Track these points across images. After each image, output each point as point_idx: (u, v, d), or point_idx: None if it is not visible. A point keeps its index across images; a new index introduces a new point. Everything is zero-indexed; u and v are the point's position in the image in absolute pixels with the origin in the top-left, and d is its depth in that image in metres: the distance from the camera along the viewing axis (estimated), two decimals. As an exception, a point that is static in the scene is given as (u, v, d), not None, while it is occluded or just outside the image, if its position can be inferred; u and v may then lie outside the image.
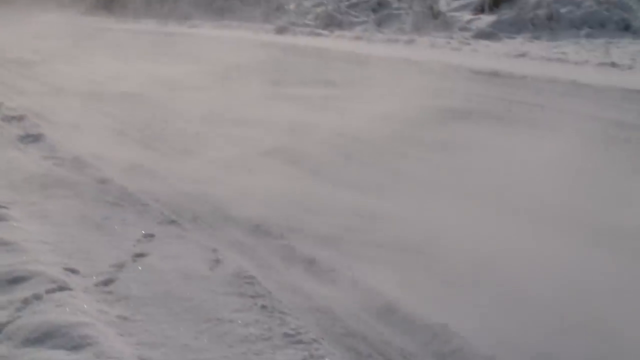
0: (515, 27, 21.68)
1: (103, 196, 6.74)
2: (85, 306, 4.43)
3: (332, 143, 8.70)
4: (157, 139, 9.19)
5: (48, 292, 4.55)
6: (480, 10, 24.16)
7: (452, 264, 5.20)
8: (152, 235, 5.75)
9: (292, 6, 29.36)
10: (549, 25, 21.31)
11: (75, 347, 3.93)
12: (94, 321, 4.22)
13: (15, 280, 4.73)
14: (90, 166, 7.72)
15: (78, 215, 6.19)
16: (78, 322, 4.16)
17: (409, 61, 16.60)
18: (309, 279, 5.07)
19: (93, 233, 5.81)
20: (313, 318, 4.49)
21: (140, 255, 5.36)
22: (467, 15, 23.89)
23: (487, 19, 22.78)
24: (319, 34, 23.78)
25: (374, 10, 25.93)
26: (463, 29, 22.52)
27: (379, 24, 24.59)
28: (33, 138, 8.96)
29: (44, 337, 4.02)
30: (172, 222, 6.07)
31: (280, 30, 25.11)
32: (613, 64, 15.58)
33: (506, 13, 22.64)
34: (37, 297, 4.48)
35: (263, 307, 4.50)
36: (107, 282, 4.90)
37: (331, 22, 25.43)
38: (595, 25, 20.73)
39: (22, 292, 4.56)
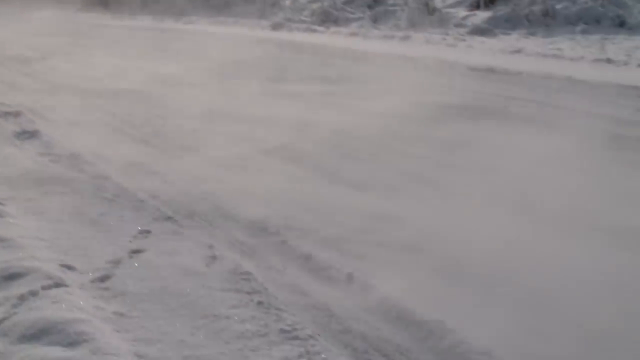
0: (510, 23, 21.71)
1: (99, 192, 6.74)
2: (81, 302, 4.43)
3: (331, 140, 8.68)
4: (154, 136, 9.18)
5: (44, 288, 4.55)
6: (475, 6, 24.19)
7: (447, 258, 5.22)
8: (148, 232, 5.75)
9: (287, 2, 29.39)
10: (545, 21, 21.34)
11: (72, 343, 3.93)
12: (90, 317, 4.22)
13: (12, 277, 4.72)
14: (86, 163, 7.72)
15: (74, 212, 6.19)
16: (74, 318, 4.16)
17: (404, 57, 16.61)
18: (304, 276, 5.09)
19: (89, 229, 5.82)
20: (309, 315, 4.50)
21: (137, 251, 5.37)
22: (462, 12, 23.91)
23: (482, 15, 22.80)
24: (314, 30, 23.77)
25: (370, 7, 25.94)
26: (458, 25, 22.54)
27: (375, 20, 24.60)
28: (29, 134, 8.96)
29: (40, 334, 4.02)
30: (169, 218, 6.07)
31: (276, 27, 25.10)
32: (608, 60, 15.59)
33: (501, 9, 22.66)
34: (33, 294, 4.48)
35: (259, 303, 4.51)
36: (103, 279, 4.90)
37: (327, 19, 25.43)
38: (590, 21, 20.76)
39: (18, 288, 4.56)
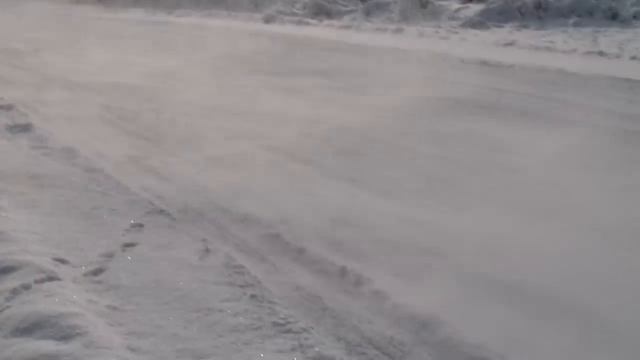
0: (503, 16, 21.70)
1: (92, 186, 6.73)
2: (74, 296, 4.42)
3: (324, 135, 8.65)
4: (148, 130, 9.16)
5: (37, 282, 4.55)
6: (468, -1, 24.17)
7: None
8: (141, 225, 5.75)
9: (280, -5, 29.30)
10: (537, 14, 21.35)
11: (65, 337, 3.93)
12: (83, 311, 4.22)
13: (4, 271, 4.72)
14: (79, 156, 7.70)
15: (67, 205, 6.19)
16: (67, 312, 4.15)
17: (398, 51, 16.60)
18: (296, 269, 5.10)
19: (82, 223, 5.81)
20: (303, 308, 4.51)
21: (130, 245, 5.36)
22: (455, 5, 23.89)
23: (475, 8, 22.79)
24: (307, 23, 23.73)
25: (363, 0, 25.90)
26: (451, 18, 22.53)
27: (368, 13, 24.57)
28: (22, 128, 8.93)
29: (33, 328, 4.02)
30: (162, 212, 6.07)
31: (269, 20, 25.05)
32: (601, 53, 15.62)
33: (494, 2, 22.64)
34: (26, 288, 4.48)
35: (253, 296, 4.51)
36: (96, 272, 4.90)
37: (320, 12, 25.38)
38: (583, 14, 20.78)
39: (11, 282, 4.56)
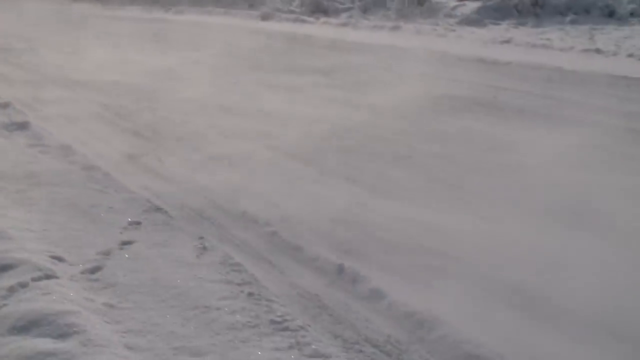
0: (500, 14, 21.69)
1: (89, 184, 6.72)
2: (71, 294, 4.42)
3: (325, 134, 8.63)
4: (145, 127, 9.15)
5: (34, 280, 4.54)
6: (465, -4, 24.15)
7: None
8: (138, 223, 5.74)
9: (277, -8, 29.27)
10: (534, 11, 21.33)
11: (62, 335, 3.93)
12: (80, 309, 4.22)
13: (1, 268, 4.71)
14: (76, 154, 7.69)
15: (64, 203, 6.18)
16: (64, 310, 4.15)
17: (395, 48, 16.59)
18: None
19: (79, 221, 5.80)
20: (299, 305, 4.52)
21: (127, 242, 5.36)
22: (452, 2, 23.85)
23: (472, 6, 22.76)
24: (304, 21, 23.71)
25: (359, -3, 25.87)
26: (448, 15, 22.50)
27: (365, 10, 24.54)
28: (18, 126, 8.91)
29: (30, 326, 4.02)
30: (159, 209, 6.06)
31: (266, 17, 25.02)
32: (598, 50, 15.61)
33: (491, -1, 22.64)
34: (23, 285, 4.47)
35: (250, 294, 4.51)
36: (93, 270, 4.90)
37: (317, 9, 25.36)
38: (580, 11, 20.77)
39: (8, 280, 4.55)
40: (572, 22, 19.93)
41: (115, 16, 26.27)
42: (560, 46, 16.52)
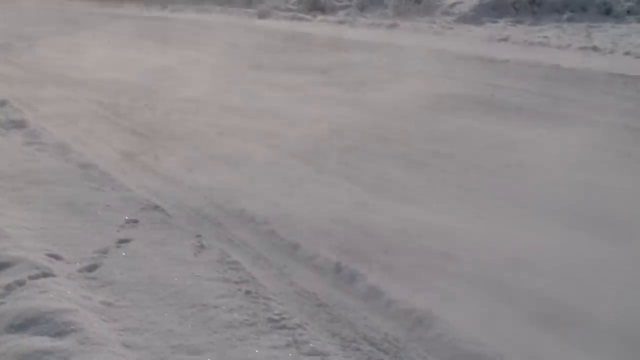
0: (497, 11, 21.67)
1: (86, 182, 6.72)
2: (69, 292, 4.42)
3: (323, 132, 8.61)
4: (143, 126, 9.14)
5: (31, 278, 4.54)
6: (462, -6, 24.13)
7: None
8: (135, 221, 5.74)
9: (274, -10, 29.22)
10: (531, 9, 21.32)
11: (59, 333, 3.92)
12: (77, 307, 4.22)
13: (-2, 267, 4.72)
14: (73, 152, 7.69)
15: (61, 201, 6.17)
16: (62, 308, 4.15)
17: (392, 46, 16.57)
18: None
19: (76, 219, 5.80)
20: (297, 303, 4.52)
21: (124, 240, 5.36)
22: (449, 0, 23.85)
23: (469, 3, 22.73)
24: (301, 19, 23.68)
25: (357, -5, 25.85)
26: (445, 13, 22.48)
27: (362, 8, 24.52)
28: (15, 124, 8.90)
29: (27, 324, 4.01)
30: (156, 207, 6.06)
31: (263, 15, 24.99)
32: (595, 48, 15.60)
33: (488, -3, 22.62)
34: (20, 284, 4.47)
35: (247, 292, 4.51)
36: (90, 268, 4.89)
37: (314, 7, 25.32)
38: (577, 9, 20.76)
39: (5, 278, 4.55)
40: (569, 20, 19.91)
41: (112, 14, 26.23)
42: (557, 44, 16.51)
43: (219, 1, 28.04)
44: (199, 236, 5.41)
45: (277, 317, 4.20)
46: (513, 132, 8.46)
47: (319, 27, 21.56)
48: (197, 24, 22.07)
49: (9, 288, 4.42)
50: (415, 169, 7.27)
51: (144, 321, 4.19)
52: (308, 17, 24.00)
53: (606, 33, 17.74)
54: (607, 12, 20.34)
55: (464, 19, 21.27)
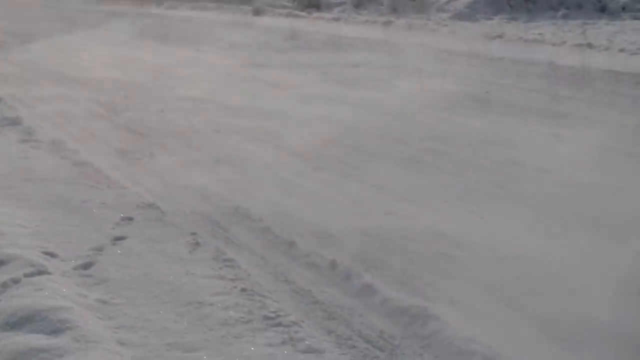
0: (492, 8, 21.68)
1: (81, 179, 6.71)
2: (64, 290, 4.42)
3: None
4: (136, 123, 9.13)
5: (26, 276, 4.54)
6: (457, -9, 24.13)
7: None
8: (131, 219, 5.74)
9: (269, -13, 29.17)
10: (526, 6, 21.33)
11: (55, 331, 3.92)
12: (73, 305, 4.21)
13: (-6, 265, 4.71)
14: (68, 150, 7.68)
15: (56, 199, 6.17)
16: (57, 306, 4.15)
17: (387, 43, 16.56)
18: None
19: (71, 216, 5.80)
20: (292, 301, 4.52)
21: (120, 238, 5.36)
22: (444, -4, 23.85)
23: (464, 0, 22.75)
24: (297, 16, 23.66)
25: (352, -8, 25.83)
26: (440, 10, 22.47)
27: (357, 5, 24.50)
28: (10, 121, 8.89)
29: (22, 322, 4.01)
30: (151, 205, 6.06)
31: (258, 12, 24.96)
32: (590, 45, 15.61)
33: (483, -6, 22.62)
34: (16, 281, 4.47)
35: (243, 290, 4.51)
36: (86, 266, 4.89)
37: (309, 4, 25.29)
38: (572, 6, 20.78)
39: (0, 276, 4.54)
40: (564, 17, 19.92)
41: (108, 11, 26.18)
42: (552, 41, 16.51)
43: (214, -2, 27.99)
44: (194, 234, 5.41)
45: (272, 315, 4.20)
46: (508, 129, 8.46)
47: (314, 24, 21.53)
48: (192, 21, 22.05)
49: (4, 286, 4.42)
50: (410, 164, 7.27)
51: (139, 319, 4.19)
52: (303, 14, 23.97)
53: (601, 30, 17.75)
54: (602, 9, 20.36)
55: (459, 16, 21.26)
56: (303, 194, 6.40)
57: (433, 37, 17.79)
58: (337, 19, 22.45)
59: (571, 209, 5.93)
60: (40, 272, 4.61)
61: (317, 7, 24.89)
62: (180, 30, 19.65)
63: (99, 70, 12.91)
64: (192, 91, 10.87)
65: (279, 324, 4.11)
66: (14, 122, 8.84)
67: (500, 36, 17.65)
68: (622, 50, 14.86)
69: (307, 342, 3.94)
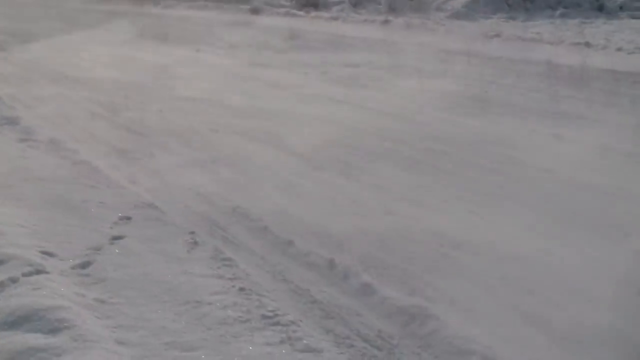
0: (490, 8, 21.68)
1: (80, 179, 6.71)
2: (62, 289, 4.41)
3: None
4: (135, 123, 9.12)
5: (24, 275, 4.54)
6: (456, -10, 24.12)
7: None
8: (129, 218, 5.73)
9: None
10: (524, 5, 21.33)
11: (52, 330, 3.92)
12: (71, 304, 4.21)
13: (-8, 264, 4.71)
14: (67, 149, 7.67)
15: (54, 198, 6.16)
16: (55, 305, 4.14)
17: (385, 43, 16.56)
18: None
19: (69, 216, 5.79)
20: (291, 300, 4.51)
21: (118, 237, 5.35)
22: (442, -4, 23.85)
23: (462, 0, 22.76)
24: (294, 15, 23.66)
25: (350, -9, 25.82)
26: (438, 9, 22.48)
27: (355, 4, 24.50)
28: (9, 120, 8.88)
29: (20, 321, 4.01)
30: (149, 204, 6.05)
31: (256, 11, 24.94)
32: (587, 44, 15.62)
33: (482, -7, 22.61)
34: (14, 281, 4.46)
35: (241, 289, 4.51)
36: (84, 265, 4.89)
37: (307, 3, 25.28)
38: (569, 5, 20.78)
39: (-1, 275, 4.55)
40: (562, 16, 19.93)
41: (107, 11, 26.17)
42: (550, 40, 16.51)
43: (211, -3, 27.98)
44: (192, 233, 5.41)
45: (270, 314, 4.20)
46: (507, 129, 8.46)
47: (312, 23, 21.53)
48: (190, 21, 22.04)
49: (2, 285, 4.41)
50: (413, 166, 7.27)
51: (138, 318, 4.18)
52: (301, 13, 23.97)
53: (599, 29, 17.77)
54: (600, 9, 20.37)
55: (457, 15, 21.27)
56: (303, 194, 6.40)
57: (431, 37, 17.79)
58: (335, 18, 22.44)
59: (571, 208, 5.93)
60: (39, 272, 4.60)
61: (315, 6, 24.88)
62: (179, 29, 19.65)
63: (98, 70, 12.90)
64: (192, 91, 10.87)
65: (277, 323, 4.10)
66: (13, 121, 8.83)
67: (498, 35, 17.65)
68: (619, 49, 14.87)
69: (305, 342, 3.94)
